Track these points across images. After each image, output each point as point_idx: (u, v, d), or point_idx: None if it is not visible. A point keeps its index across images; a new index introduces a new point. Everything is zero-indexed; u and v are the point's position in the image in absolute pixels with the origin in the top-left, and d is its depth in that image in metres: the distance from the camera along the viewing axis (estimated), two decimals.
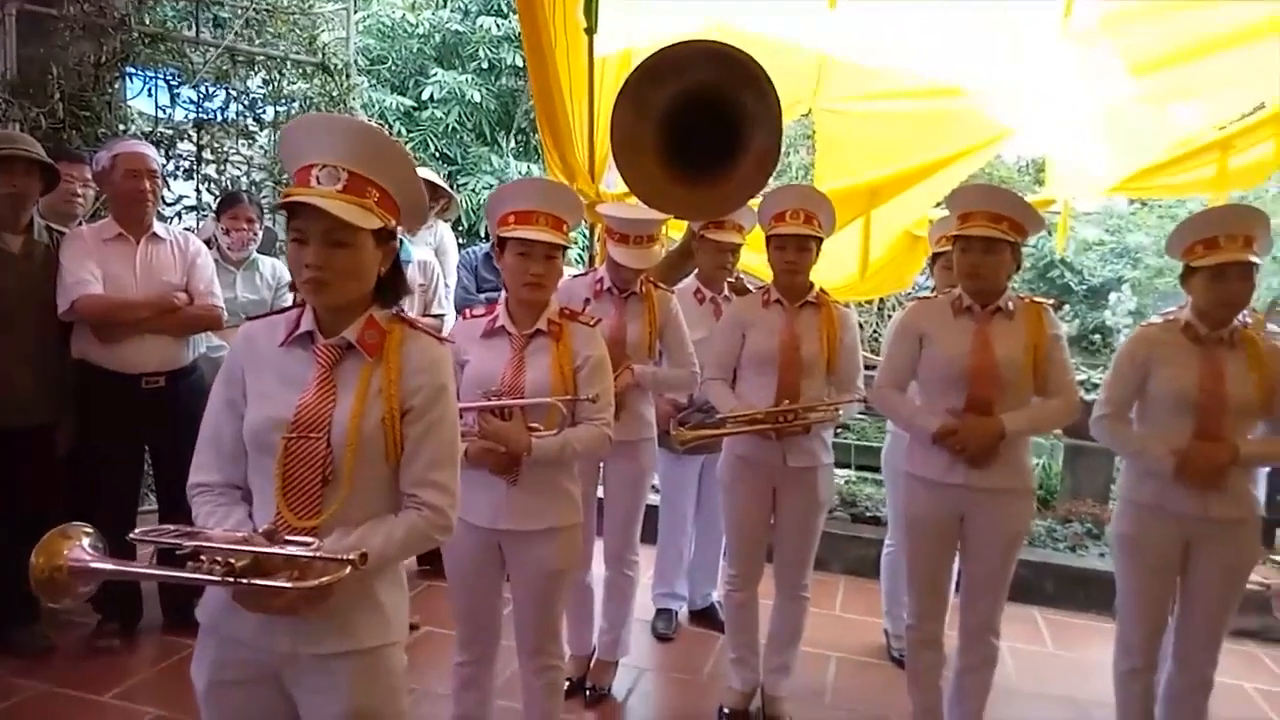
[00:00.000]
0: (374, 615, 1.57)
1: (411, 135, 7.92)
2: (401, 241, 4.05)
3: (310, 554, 1.39)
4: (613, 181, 4.07)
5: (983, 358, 2.59)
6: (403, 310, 1.67)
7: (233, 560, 1.37)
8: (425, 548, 1.61)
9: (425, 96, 7.95)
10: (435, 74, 7.98)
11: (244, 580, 1.36)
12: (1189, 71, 4.04)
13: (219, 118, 5.16)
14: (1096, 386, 3.23)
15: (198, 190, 5.16)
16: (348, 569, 1.36)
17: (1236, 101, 4.25)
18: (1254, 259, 2.50)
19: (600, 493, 3.20)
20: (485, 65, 8.14)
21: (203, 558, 1.38)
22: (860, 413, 5.60)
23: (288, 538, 1.44)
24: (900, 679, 2.96)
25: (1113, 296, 7.90)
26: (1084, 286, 8.74)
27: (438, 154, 8.01)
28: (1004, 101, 4.45)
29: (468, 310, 2.44)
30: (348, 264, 1.50)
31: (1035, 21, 3.85)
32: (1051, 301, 2.79)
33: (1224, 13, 3.76)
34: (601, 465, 3.13)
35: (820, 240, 2.91)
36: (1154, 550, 2.64)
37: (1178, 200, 7.30)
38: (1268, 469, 3.33)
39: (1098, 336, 8.13)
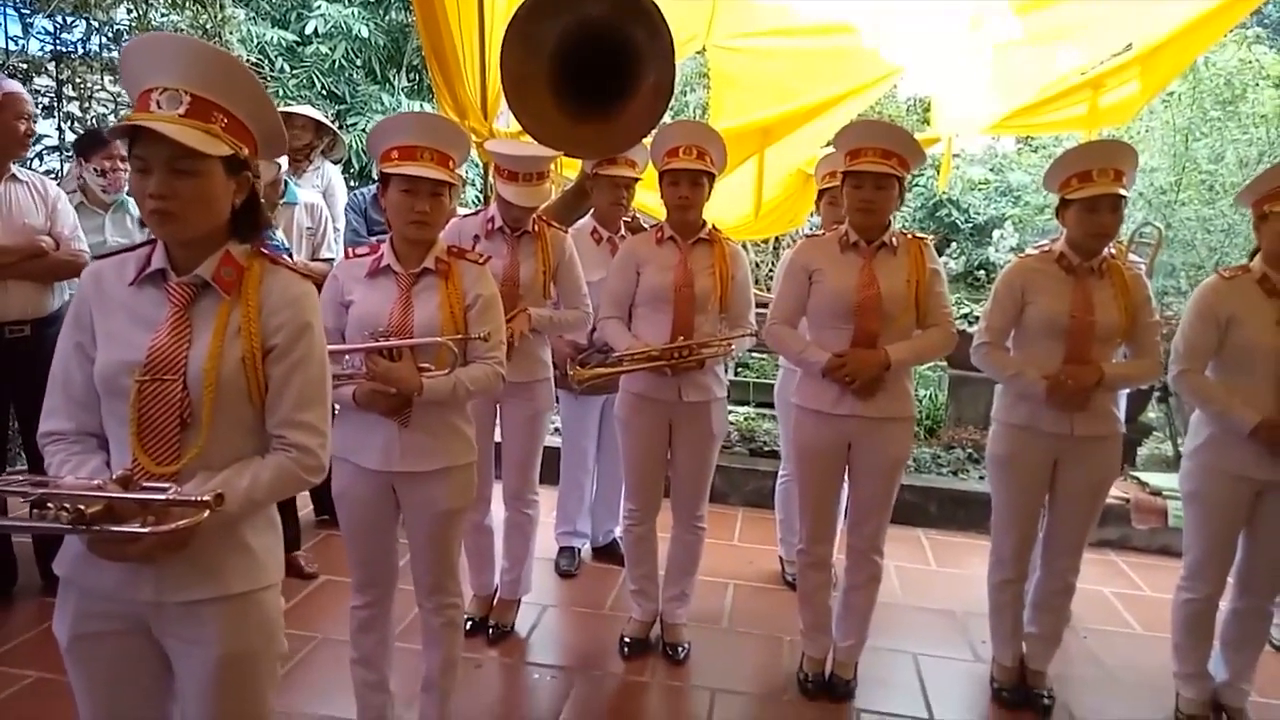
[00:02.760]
0: (243, 560, 1.53)
1: (295, 72, 7.53)
2: (286, 183, 3.94)
3: (164, 498, 1.34)
4: (509, 120, 3.98)
5: (869, 292, 2.68)
6: (269, 246, 1.61)
7: (83, 507, 1.31)
8: (296, 490, 1.57)
9: (309, 31, 7.55)
10: (319, 6, 7.57)
11: (95, 527, 1.31)
12: (1069, 11, 4.19)
13: (80, 50, 4.80)
14: None
15: (59, 129, 4.81)
16: (205, 512, 1.32)
17: (1112, 42, 4.44)
18: (1123, 192, 2.64)
19: (498, 435, 3.19)
20: None
21: (50, 505, 1.32)
22: (759, 351, 5.74)
23: (144, 484, 1.39)
24: (794, 601, 3.10)
25: (996, 234, 8.23)
26: (970, 224, 9.08)
27: (325, 92, 7.65)
28: (894, 40, 4.52)
29: (351, 249, 2.37)
30: (195, 194, 1.43)
31: None
32: (931, 237, 2.89)
33: None
34: (498, 406, 3.12)
35: (712, 176, 2.93)
36: (1025, 468, 2.81)
37: (1056, 140, 7.61)
38: (1128, 390, 3.55)
39: (982, 272, 8.47)
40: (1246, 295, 2.63)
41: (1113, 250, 2.81)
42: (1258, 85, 7.18)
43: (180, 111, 1.40)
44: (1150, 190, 7.12)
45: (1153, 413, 5.38)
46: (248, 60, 6.84)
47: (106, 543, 1.36)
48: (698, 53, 5.19)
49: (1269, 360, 2.58)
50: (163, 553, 1.38)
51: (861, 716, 2.83)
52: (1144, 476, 4.70)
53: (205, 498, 1.32)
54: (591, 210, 3.62)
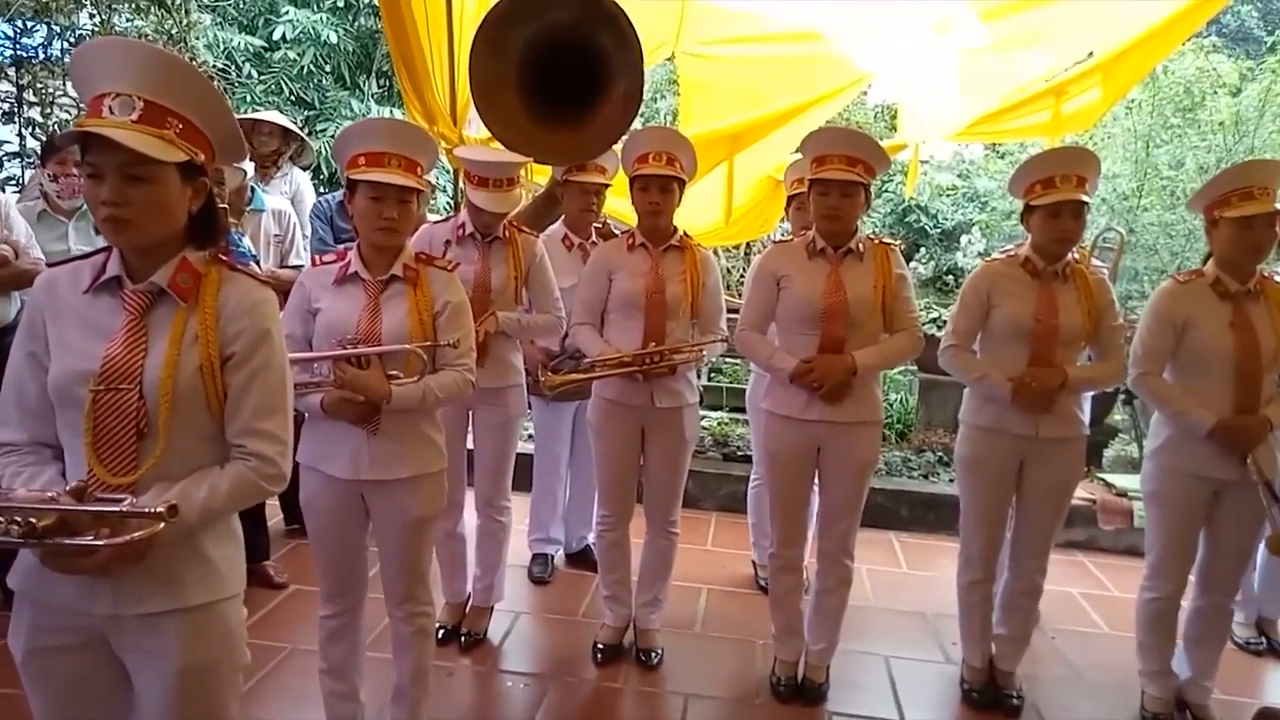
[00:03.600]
0: (203, 571, 1.51)
1: (264, 78, 7.47)
2: (253, 190, 3.90)
3: (118, 510, 1.32)
4: (479, 126, 3.98)
5: (836, 298, 2.70)
6: (236, 254, 1.59)
7: (34, 520, 1.29)
8: (256, 499, 1.55)
9: (277, 36, 7.48)
10: (287, 12, 7.51)
11: (48, 540, 1.29)
12: (1034, 18, 4.26)
13: (41, 55, 4.73)
14: None
15: (20, 135, 4.74)
16: (160, 524, 1.30)
17: (1076, 49, 4.51)
18: (1085, 198, 2.69)
19: (470, 441, 3.18)
20: (341, 3, 7.73)
21: (1, 518, 1.29)
22: (732, 357, 5.77)
23: (100, 495, 1.37)
24: (766, 605, 3.11)
25: (964, 239, 8.32)
26: (938, 230, 9.18)
27: (293, 98, 7.59)
28: (863, 47, 4.57)
29: (318, 256, 2.35)
30: (149, 201, 1.41)
31: None
32: (898, 243, 2.92)
33: None
34: (470, 413, 3.11)
35: (683, 182, 2.94)
36: (992, 469, 2.85)
37: (1022, 147, 7.72)
38: (1092, 394, 3.61)
39: (951, 277, 8.57)
40: (1201, 299, 2.69)
41: (1076, 255, 2.86)
42: (1215, 93, 7.34)
43: (133, 117, 1.38)
44: (1113, 196, 7.24)
45: (1118, 415, 5.47)
46: (214, 66, 6.78)
47: (60, 556, 1.33)
48: (667, 59, 5.21)
49: (1224, 362, 2.64)
50: (119, 565, 1.35)
51: (834, 719, 2.85)
52: (1110, 478, 4.77)
53: (159, 509, 1.30)
54: (562, 217, 3.63)
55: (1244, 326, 2.63)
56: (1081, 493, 4.45)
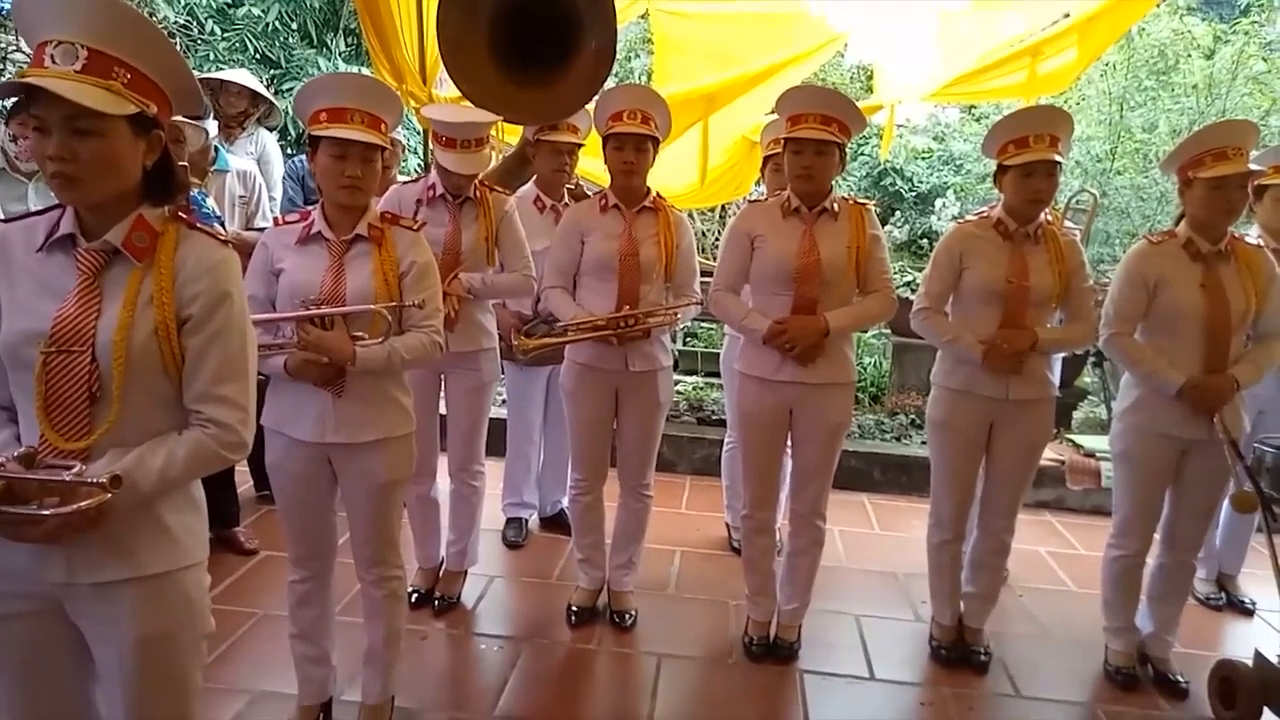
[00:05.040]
0: (160, 539, 1.48)
1: (226, 35, 7.24)
2: (218, 149, 3.80)
3: (64, 479, 1.28)
4: (450, 85, 3.89)
5: (809, 258, 2.68)
6: (199, 214, 1.54)
7: None
8: (215, 468, 1.50)
9: None
10: None
11: None
12: None
13: None
14: None
15: None
16: (106, 494, 1.27)
17: (1052, 10, 4.49)
18: (1058, 158, 2.67)
19: (443, 407, 3.15)
20: None
21: None
22: (707, 321, 5.76)
23: (50, 461, 1.33)
24: (739, 566, 3.12)
25: (939, 203, 8.33)
26: (913, 193, 9.18)
27: (258, 56, 7.38)
28: (838, 7, 4.52)
29: (281, 216, 2.29)
30: (97, 156, 1.35)
31: None
32: (873, 203, 2.90)
33: None
34: (442, 378, 3.07)
35: (657, 141, 2.89)
36: (962, 431, 2.86)
37: (998, 109, 7.70)
38: (1062, 356, 3.64)
39: (926, 241, 8.58)
40: (1173, 259, 2.69)
41: (1049, 216, 2.85)
42: (1189, 56, 7.35)
43: (76, 67, 1.31)
44: (1087, 159, 7.26)
45: (1088, 377, 5.53)
46: (174, 22, 6.59)
47: (7, 524, 1.29)
48: (641, 17, 5.12)
49: (1194, 322, 2.65)
50: (69, 533, 1.32)
51: (805, 677, 2.88)
52: (1078, 439, 4.83)
53: (102, 479, 1.27)
54: (534, 178, 3.57)
55: (1214, 287, 2.64)
56: (1050, 454, 4.51)
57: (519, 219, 3.09)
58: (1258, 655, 2.64)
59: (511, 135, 4.09)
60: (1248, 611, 3.51)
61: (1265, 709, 2.60)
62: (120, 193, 1.42)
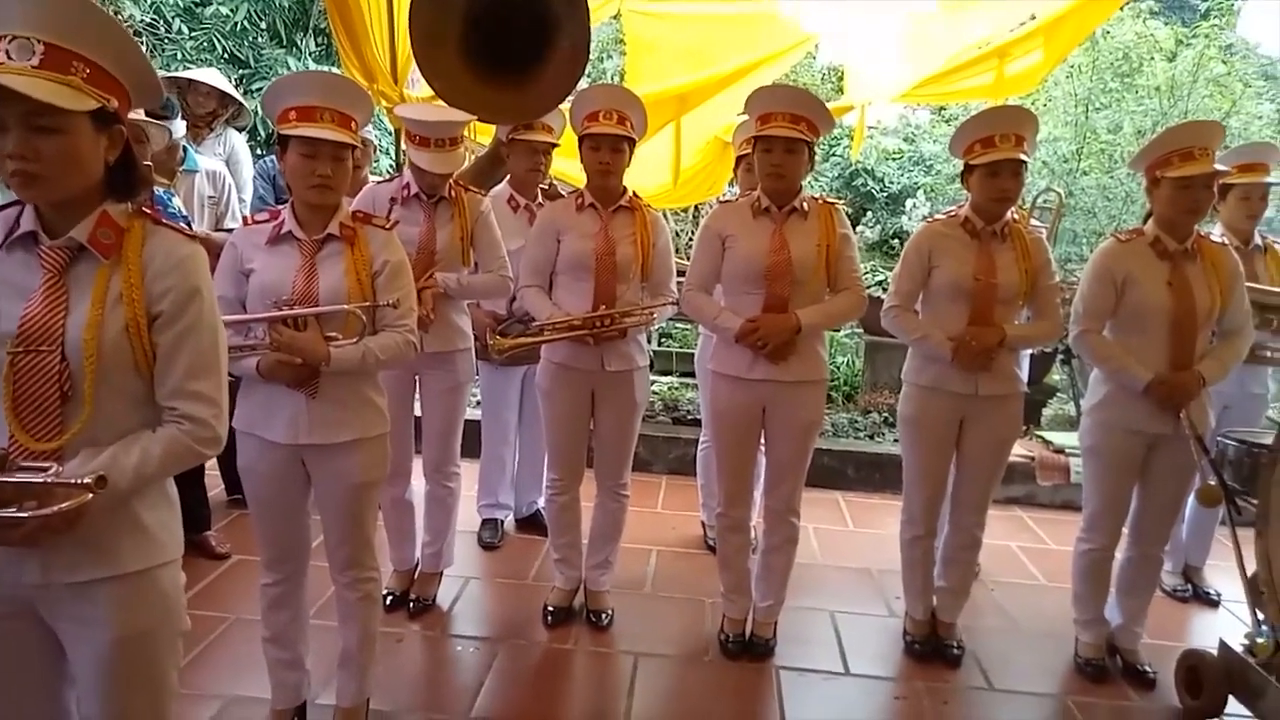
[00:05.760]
0: (137, 537, 1.46)
1: (195, 34, 7.16)
2: (186, 150, 3.75)
3: (43, 480, 1.27)
4: (423, 85, 3.87)
5: (779, 257, 2.70)
6: (166, 215, 1.52)
7: None
8: (191, 463, 1.49)
9: None
10: None
11: None
12: None
13: None
14: None
15: None
16: (89, 495, 1.26)
17: (1019, 12, 4.55)
18: (1024, 157, 2.71)
19: (418, 408, 3.13)
20: None
21: None
22: (682, 321, 5.77)
23: (22, 464, 1.31)
24: (715, 564, 3.13)
25: (910, 203, 8.40)
26: (884, 194, 9.25)
27: (226, 55, 7.29)
28: (809, 8, 4.55)
29: (250, 216, 2.27)
30: (59, 153, 1.33)
31: None
32: (844, 203, 2.92)
33: None
34: (417, 378, 3.06)
35: (633, 141, 2.90)
36: (933, 427, 2.90)
37: (966, 110, 7.79)
38: (1030, 351, 3.69)
39: (897, 241, 8.65)
40: (1141, 257, 2.74)
41: (1015, 215, 2.89)
42: (1152, 58, 7.48)
43: (33, 62, 1.29)
44: (1054, 159, 7.36)
45: (1057, 375, 5.61)
46: (141, 21, 6.50)
47: None
48: (613, 17, 5.13)
49: (1161, 319, 2.70)
50: (47, 536, 1.30)
51: (781, 674, 2.90)
52: (1048, 435, 4.90)
53: (87, 480, 1.25)
54: (507, 177, 3.56)
55: (1181, 285, 2.69)
56: (1020, 450, 4.58)
57: (495, 219, 3.08)
58: (1222, 645, 2.70)
59: (484, 135, 4.08)
60: (1213, 603, 3.58)
61: (1230, 697, 2.65)
62: (83, 189, 1.39)
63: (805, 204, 2.75)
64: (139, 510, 1.47)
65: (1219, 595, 3.59)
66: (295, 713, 2.40)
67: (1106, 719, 2.78)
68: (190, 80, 4.20)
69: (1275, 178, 3.45)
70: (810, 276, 2.72)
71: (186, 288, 1.44)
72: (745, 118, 3.46)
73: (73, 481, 1.26)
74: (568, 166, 4.16)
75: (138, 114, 3.01)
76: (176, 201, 3.28)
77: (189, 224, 3.43)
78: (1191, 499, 3.09)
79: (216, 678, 2.67)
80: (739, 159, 3.61)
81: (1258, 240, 3.41)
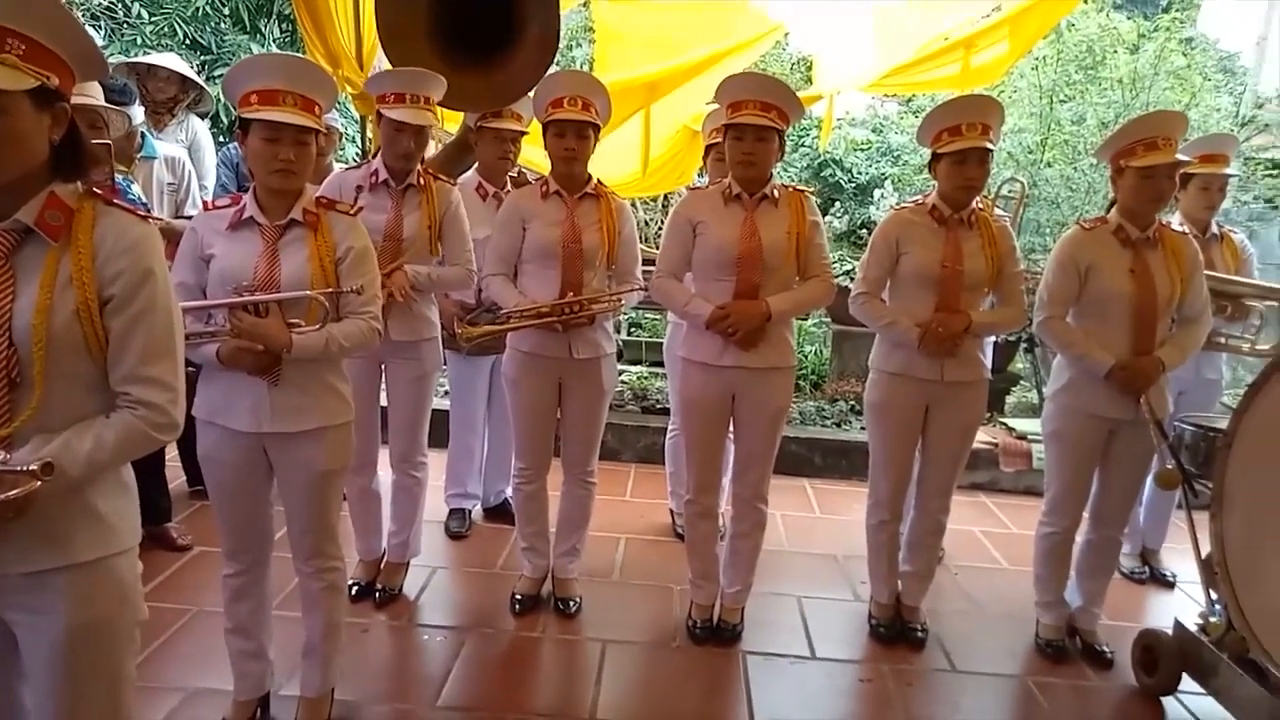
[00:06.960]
0: (92, 526, 1.43)
1: (155, 19, 7.01)
2: (144, 136, 3.68)
3: None
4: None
5: (750, 244, 2.71)
6: (123, 199, 1.48)
7: None
8: (146, 450, 1.46)
9: None
10: None
11: None
12: None
13: None
14: None
15: None
16: (36, 483, 1.23)
17: (984, 3, 4.59)
18: (990, 145, 2.74)
19: (384, 397, 3.10)
20: None
21: None
22: (651, 311, 5.77)
23: None
24: (684, 552, 3.15)
25: (878, 193, 8.46)
26: (853, 184, 9.31)
27: (188, 41, 7.16)
28: None
29: (210, 201, 2.23)
30: (0, 136, 1.29)
31: None
32: (812, 190, 2.94)
33: None
34: (383, 367, 3.03)
35: (598, 128, 2.89)
36: (899, 413, 2.93)
37: (933, 101, 7.86)
38: (994, 340, 3.74)
39: (865, 231, 8.70)
40: (1104, 245, 2.78)
41: (980, 204, 2.92)
42: (1115, 51, 7.58)
43: None
44: (1019, 150, 7.44)
45: (1020, 363, 5.69)
46: (100, 5, 6.36)
47: None
48: (582, 5, 5.10)
49: (1122, 306, 2.75)
50: None
51: (748, 658, 2.92)
52: (1011, 422, 4.97)
53: (33, 467, 1.23)
54: (475, 165, 3.53)
55: (1143, 272, 2.74)
56: (984, 437, 4.64)
57: (464, 208, 3.05)
58: (1177, 624, 2.76)
59: (452, 123, 4.04)
60: (1169, 584, 3.66)
61: (1183, 675, 2.71)
62: (28, 171, 1.35)
63: (776, 192, 2.76)
64: (94, 498, 1.44)
65: (1175, 576, 3.68)
66: (258, 703, 2.38)
67: (1066, 698, 2.83)
68: (150, 65, 4.11)
69: (1233, 170, 3.52)
70: (781, 263, 2.73)
71: (139, 270, 1.40)
72: (715, 106, 3.47)
73: (19, 469, 1.24)
74: (533, 154, 4.13)
75: (95, 97, 2.94)
76: (136, 189, 3.22)
77: (148, 210, 3.36)
78: (1150, 482, 3.15)
79: (178, 670, 2.64)
80: (708, 148, 3.61)
81: (1214, 229, 3.48)
